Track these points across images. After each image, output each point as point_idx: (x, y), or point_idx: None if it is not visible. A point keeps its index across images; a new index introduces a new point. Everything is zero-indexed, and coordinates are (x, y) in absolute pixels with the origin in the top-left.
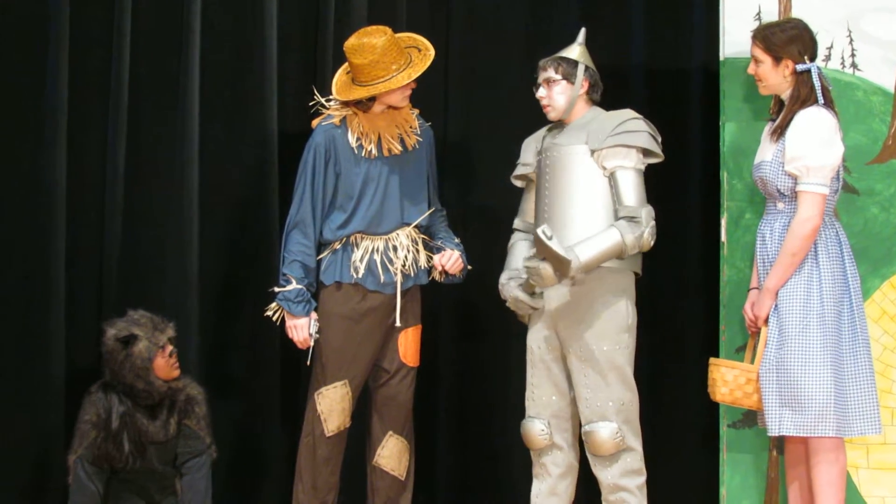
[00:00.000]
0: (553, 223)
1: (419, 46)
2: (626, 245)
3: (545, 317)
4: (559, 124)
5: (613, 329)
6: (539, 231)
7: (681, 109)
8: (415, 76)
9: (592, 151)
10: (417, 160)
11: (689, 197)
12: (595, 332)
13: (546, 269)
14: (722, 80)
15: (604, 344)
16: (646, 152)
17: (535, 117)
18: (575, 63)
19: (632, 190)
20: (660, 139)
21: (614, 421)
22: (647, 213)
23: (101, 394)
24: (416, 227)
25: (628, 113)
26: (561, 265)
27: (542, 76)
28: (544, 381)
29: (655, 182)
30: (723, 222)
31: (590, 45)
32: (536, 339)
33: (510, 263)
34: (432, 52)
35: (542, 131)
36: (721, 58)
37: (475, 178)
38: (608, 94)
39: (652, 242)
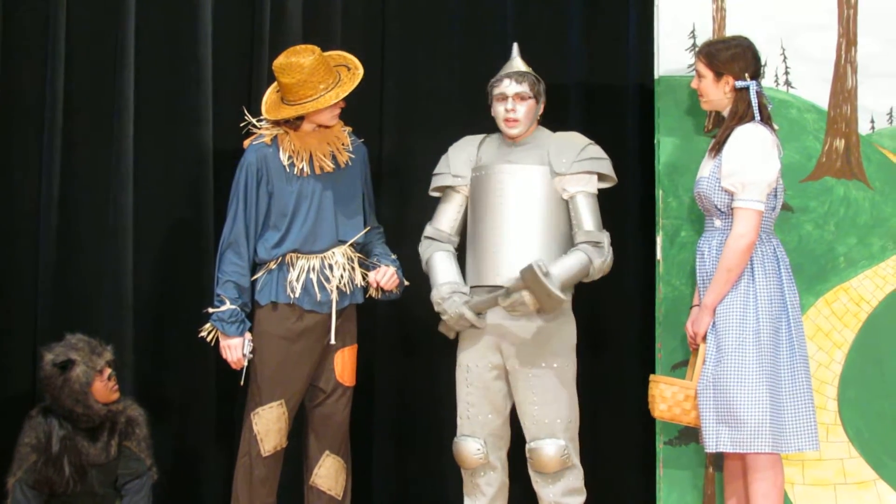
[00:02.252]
0: (506, 245)
1: (349, 65)
2: (593, 269)
3: (485, 334)
4: (497, 140)
5: (564, 346)
6: (535, 266)
7: (618, 127)
8: (342, 96)
9: (555, 174)
10: (351, 177)
11: (627, 215)
12: (547, 349)
13: (530, 300)
14: (657, 98)
15: (554, 361)
16: (600, 176)
17: (472, 132)
18: (540, 81)
19: (592, 215)
20: None
21: (561, 438)
22: (607, 238)
23: (41, 418)
24: (351, 245)
25: (583, 138)
26: (549, 301)
27: (512, 89)
28: (481, 400)
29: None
30: (658, 240)
31: (526, 61)
32: (474, 358)
33: (442, 275)
34: (361, 70)
35: (473, 144)
36: (656, 75)
37: (411, 193)
38: (545, 112)
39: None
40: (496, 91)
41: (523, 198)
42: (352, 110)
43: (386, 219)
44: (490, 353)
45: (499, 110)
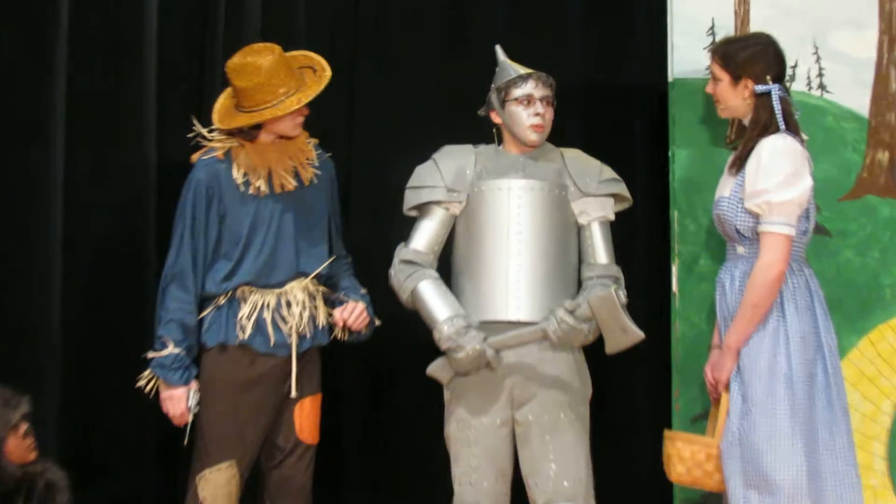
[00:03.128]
0: (523, 273)
1: (314, 66)
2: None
3: (491, 380)
4: (494, 151)
5: (585, 393)
6: (615, 295)
7: (624, 138)
8: (306, 101)
9: (580, 195)
10: (316, 197)
11: (637, 241)
12: (568, 396)
13: (588, 333)
14: (671, 104)
15: (575, 411)
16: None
17: (454, 144)
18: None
19: (608, 246)
20: None
21: (582, 502)
22: (621, 274)
23: None
24: (314, 277)
25: (588, 156)
26: (622, 337)
27: (540, 92)
28: (487, 463)
29: None
30: (674, 270)
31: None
32: (478, 411)
33: (445, 307)
34: (328, 72)
35: (467, 154)
36: (669, 78)
37: (385, 217)
38: None
39: None
40: (518, 92)
41: (541, 220)
42: (316, 119)
43: (355, 246)
44: (499, 406)
45: (520, 115)
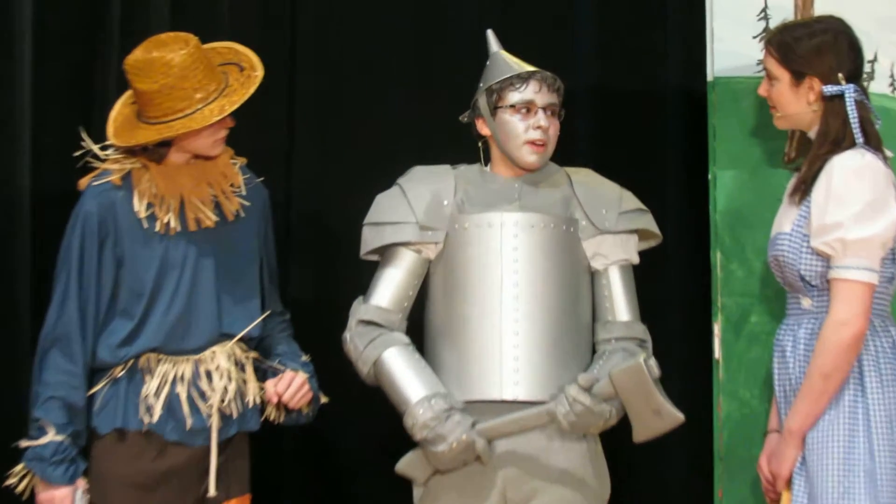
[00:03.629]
0: (524, 338)
1: (241, 63)
2: None
3: (479, 476)
4: (479, 174)
5: (599, 496)
6: (646, 366)
7: (649, 154)
8: (231, 110)
9: (595, 233)
10: (243, 236)
11: (666, 290)
12: (579, 497)
13: (609, 416)
14: (711, 111)
15: None
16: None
17: (431, 166)
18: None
19: (631, 298)
20: None
21: None
22: (649, 336)
23: None
24: (242, 341)
25: (604, 178)
26: (656, 422)
27: (543, 98)
28: None
29: None
30: (716, 329)
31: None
32: None
33: (420, 384)
34: (260, 71)
35: (444, 178)
36: (709, 76)
37: (337, 261)
38: None
39: None
40: (515, 97)
41: (543, 265)
42: (243, 133)
43: (296, 300)
44: None
45: (515, 128)
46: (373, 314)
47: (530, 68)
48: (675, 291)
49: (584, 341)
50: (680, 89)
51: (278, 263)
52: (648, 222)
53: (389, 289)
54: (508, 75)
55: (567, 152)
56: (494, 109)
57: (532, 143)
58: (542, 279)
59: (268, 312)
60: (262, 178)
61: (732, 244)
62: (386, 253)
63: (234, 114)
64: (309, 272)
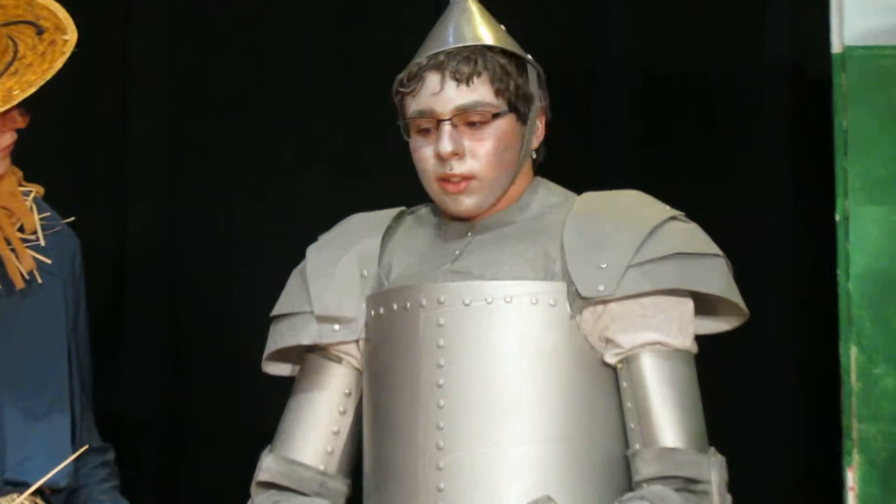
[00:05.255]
0: (443, 486)
1: (39, 22)
2: None
3: None
4: (432, 217)
5: None
6: None
7: (726, 176)
8: (21, 97)
9: (581, 304)
10: (40, 316)
11: (765, 406)
12: None
13: None
14: (838, 101)
15: None
16: (701, 303)
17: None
18: (530, 69)
19: (678, 406)
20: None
21: None
22: (718, 475)
23: None
24: (39, 494)
25: (649, 203)
26: None
27: (447, 102)
28: None
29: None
30: (849, 479)
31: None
32: None
33: None
34: (72, 36)
35: (377, 233)
36: (834, 47)
37: (214, 360)
38: (552, 140)
39: None
40: (411, 108)
41: (508, 369)
42: (43, 142)
43: (127, 427)
44: None
45: (421, 158)
46: (274, 472)
47: (462, 39)
48: (775, 410)
49: (604, 480)
50: (785, 67)
51: (96, 363)
52: (702, 279)
53: (301, 427)
54: (407, 68)
55: (605, 169)
56: (403, 125)
57: (442, 179)
58: (488, 393)
59: (83, 449)
60: (71, 220)
61: (877, 334)
62: (302, 363)
63: (28, 104)
64: (155, 378)
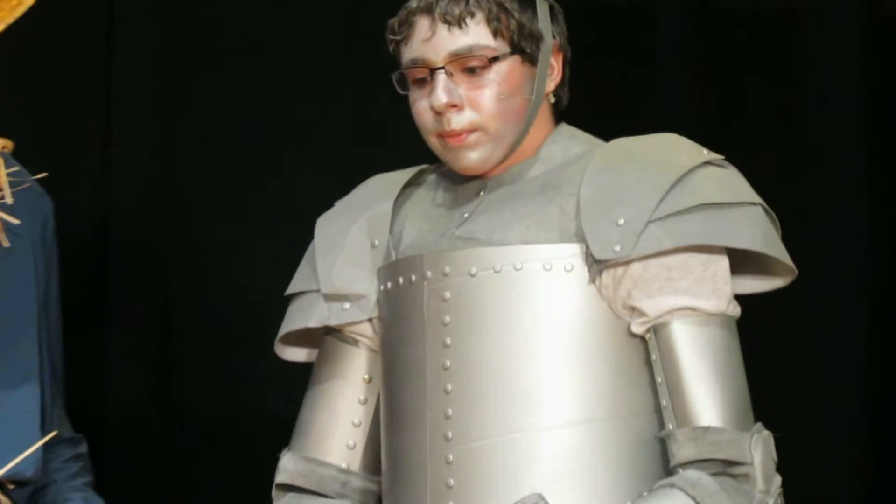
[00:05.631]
0: (451, 482)
1: None
2: None
3: None
4: (454, 180)
5: None
6: None
7: (790, 123)
8: None
9: (598, 266)
10: (6, 283)
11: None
12: None
13: None
14: None
15: None
16: (737, 261)
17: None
18: (533, 7)
19: (714, 377)
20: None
21: None
22: (763, 455)
23: None
24: (1, 482)
25: (682, 145)
26: None
27: (440, 48)
28: None
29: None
30: None
31: None
32: None
33: None
34: None
35: (389, 198)
36: None
37: (213, 345)
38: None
39: None
40: (405, 58)
41: (521, 346)
42: (23, 104)
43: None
44: None
45: (418, 112)
46: (292, 472)
47: None
48: (838, 381)
49: (643, 475)
50: (854, 20)
51: (69, 340)
52: (726, 232)
53: (318, 421)
54: (398, 13)
55: (640, 113)
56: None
57: (441, 136)
58: (500, 375)
59: (51, 435)
60: (43, 175)
61: None
62: (320, 347)
63: None
64: (137, 366)
